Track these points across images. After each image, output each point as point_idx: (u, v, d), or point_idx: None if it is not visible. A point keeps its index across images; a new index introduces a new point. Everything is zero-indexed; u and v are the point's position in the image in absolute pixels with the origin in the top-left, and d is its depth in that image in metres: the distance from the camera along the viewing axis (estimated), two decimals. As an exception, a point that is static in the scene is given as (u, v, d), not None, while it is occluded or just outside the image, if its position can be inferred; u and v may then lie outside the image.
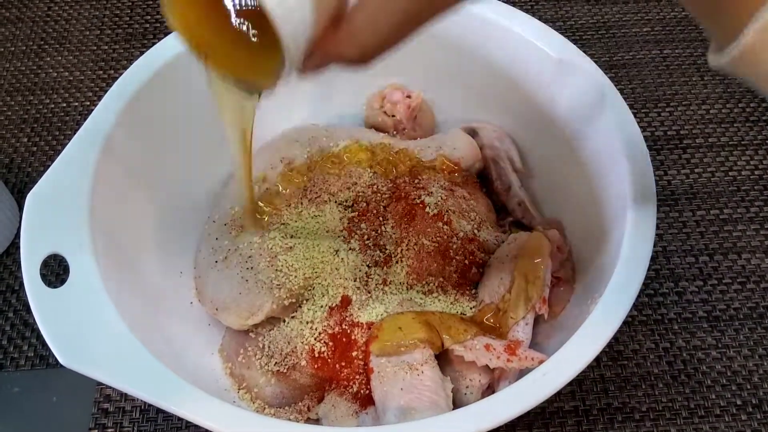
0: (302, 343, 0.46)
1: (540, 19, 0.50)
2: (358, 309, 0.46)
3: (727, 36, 0.28)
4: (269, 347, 0.47)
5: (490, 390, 0.45)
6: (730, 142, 0.63)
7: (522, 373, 0.42)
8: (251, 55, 0.31)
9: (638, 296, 0.39)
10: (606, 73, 0.47)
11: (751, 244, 0.58)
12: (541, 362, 0.41)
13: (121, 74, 0.48)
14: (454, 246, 0.48)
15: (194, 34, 0.31)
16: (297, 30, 0.28)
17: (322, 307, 0.47)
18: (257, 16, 0.28)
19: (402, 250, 0.48)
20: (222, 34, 0.30)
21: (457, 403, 0.43)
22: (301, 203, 0.51)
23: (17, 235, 0.58)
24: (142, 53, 0.49)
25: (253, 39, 0.29)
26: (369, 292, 0.47)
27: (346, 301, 0.46)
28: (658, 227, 0.41)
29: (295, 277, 0.47)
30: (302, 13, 0.27)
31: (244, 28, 0.29)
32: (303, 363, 0.45)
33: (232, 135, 0.39)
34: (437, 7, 0.29)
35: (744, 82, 0.29)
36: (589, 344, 0.37)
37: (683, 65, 0.68)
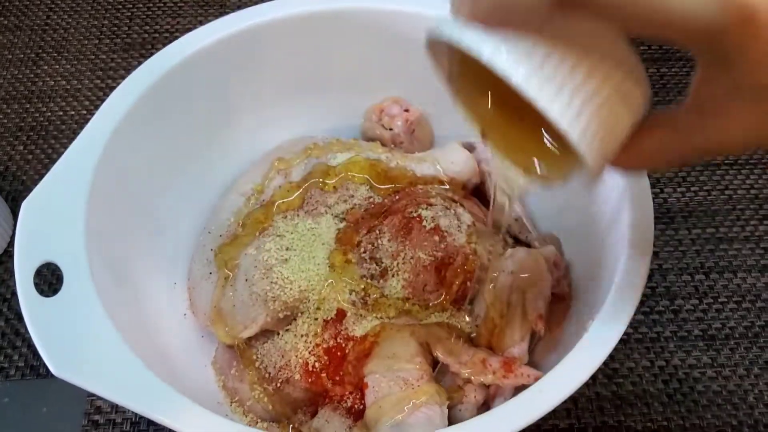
0: (296, 356, 0.45)
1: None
2: (353, 323, 0.46)
3: None
4: (263, 360, 0.46)
5: (485, 406, 0.44)
6: (725, 161, 0.64)
7: (518, 389, 0.42)
8: (537, 152, 0.31)
9: (634, 314, 0.39)
10: (604, 91, 0.48)
11: (746, 263, 0.58)
12: (537, 379, 0.40)
13: (119, 84, 0.47)
14: (451, 260, 0.48)
15: (482, 115, 0.31)
16: (602, 152, 0.28)
17: (316, 320, 0.46)
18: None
19: (398, 263, 0.48)
20: (518, 131, 0.31)
21: (451, 420, 0.43)
22: (298, 215, 0.51)
23: (10, 244, 0.57)
24: (140, 63, 0.49)
25: (551, 147, 0.30)
26: (365, 306, 0.47)
27: (341, 315, 0.46)
28: (654, 245, 0.41)
29: (290, 289, 0.46)
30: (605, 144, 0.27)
31: (546, 141, 0.30)
32: (297, 377, 0.45)
33: (499, 188, 0.38)
34: (716, 153, 0.31)
35: None
36: (585, 362, 0.37)
37: (680, 84, 0.69)
